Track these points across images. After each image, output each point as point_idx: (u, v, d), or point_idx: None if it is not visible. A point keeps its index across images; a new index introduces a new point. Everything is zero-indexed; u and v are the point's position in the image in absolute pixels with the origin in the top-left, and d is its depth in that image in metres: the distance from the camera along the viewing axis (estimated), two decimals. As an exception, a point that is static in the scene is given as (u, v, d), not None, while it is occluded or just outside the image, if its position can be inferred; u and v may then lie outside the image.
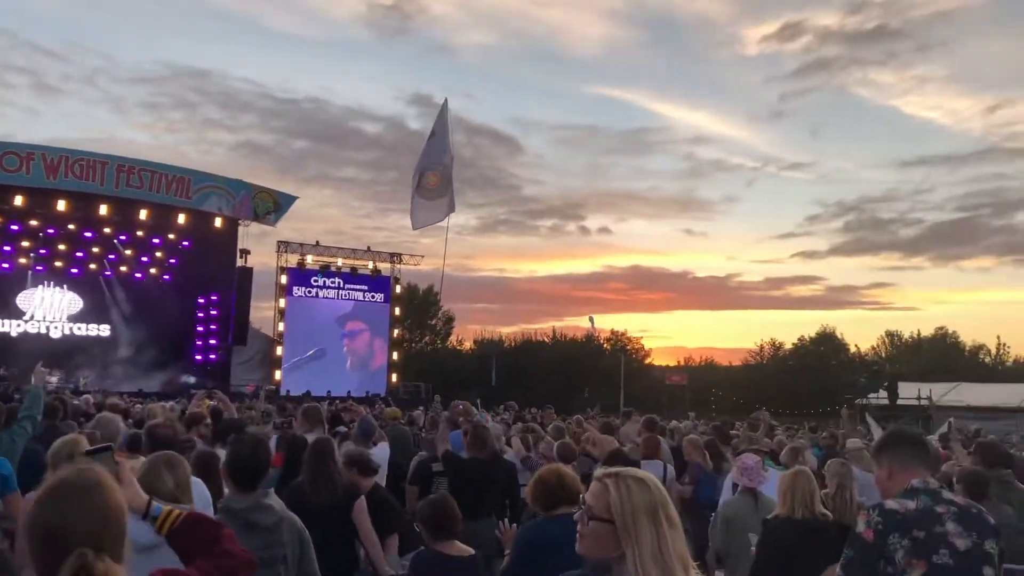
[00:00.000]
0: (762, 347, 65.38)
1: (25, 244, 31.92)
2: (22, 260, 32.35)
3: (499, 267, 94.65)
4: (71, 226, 31.53)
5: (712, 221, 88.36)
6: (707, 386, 56.16)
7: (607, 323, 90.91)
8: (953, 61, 79.21)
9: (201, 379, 31.90)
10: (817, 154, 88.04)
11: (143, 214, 31.49)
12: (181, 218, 32.17)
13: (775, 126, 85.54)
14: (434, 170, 19.25)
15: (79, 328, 33.70)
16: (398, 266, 38.30)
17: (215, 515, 3.06)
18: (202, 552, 2.28)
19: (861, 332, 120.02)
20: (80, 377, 30.16)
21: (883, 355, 66.44)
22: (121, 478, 2.33)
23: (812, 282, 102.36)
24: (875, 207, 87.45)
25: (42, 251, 32.32)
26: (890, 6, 74.90)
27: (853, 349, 64.10)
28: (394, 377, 37.73)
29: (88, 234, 32.20)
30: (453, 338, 63.34)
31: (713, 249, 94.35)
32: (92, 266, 33.53)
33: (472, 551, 4.29)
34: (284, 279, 35.41)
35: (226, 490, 3.85)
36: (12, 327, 32.51)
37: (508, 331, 79.92)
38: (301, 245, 36.29)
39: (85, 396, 16.80)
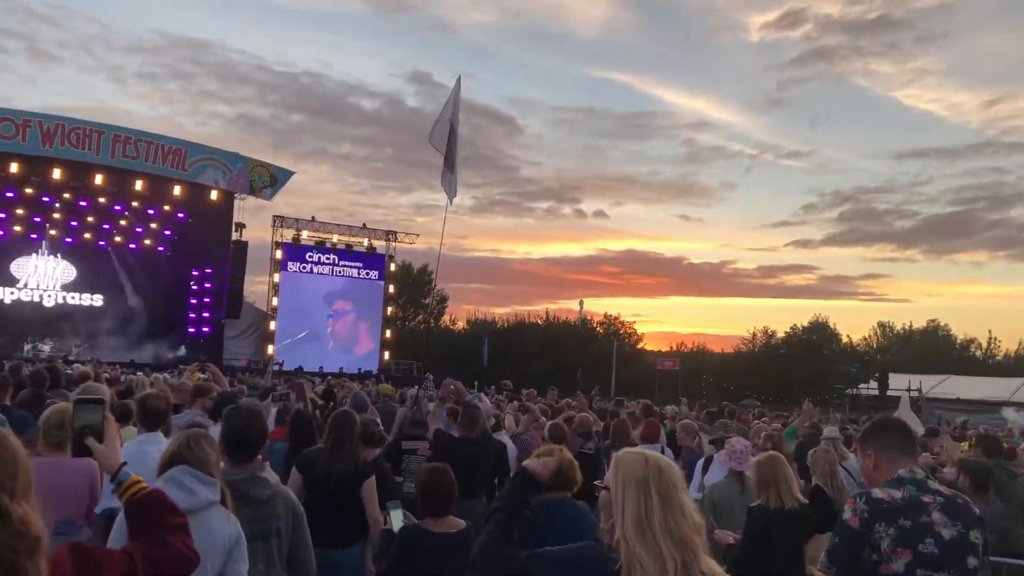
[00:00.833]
0: (754, 335, 65.58)
1: (20, 212, 31.92)
2: (16, 228, 32.38)
3: (494, 248, 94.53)
4: (66, 195, 31.51)
5: (709, 207, 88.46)
6: (698, 372, 56.35)
7: (600, 307, 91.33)
8: (953, 54, 79.19)
9: (193, 351, 31.93)
10: (815, 143, 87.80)
11: (139, 185, 31.45)
12: (177, 190, 32.13)
13: (774, 114, 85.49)
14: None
15: (72, 297, 33.73)
16: (393, 244, 38.38)
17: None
18: (144, 533, 2.29)
19: (853, 322, 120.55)
20: (72, 346, 30.24)
21: (874, 346, 66.74)
22: (104, 434, 2.42)
23: (806, 271, 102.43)
24: (871, 198, 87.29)
25: (36, 219, 32.32)
26: (893, -4, 74.64)
27: (845, 339, 64.34)
28: (387, 355, 37.82)
29: (83, 203, 32.22)
30: (446, 317, 63.48)
31: (708, 236, 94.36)
32: (87, 235, 33.59)
33: (464, 523, 4.29)
34: (279, 254, 35.51)
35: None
36: (5, 294, 32.55)
37: (501, 312, 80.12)
38: (297, 220, 36.39)
39: (76, 365, 16.89)
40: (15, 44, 71.32)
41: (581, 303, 51.24)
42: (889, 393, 32.84)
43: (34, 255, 32.93)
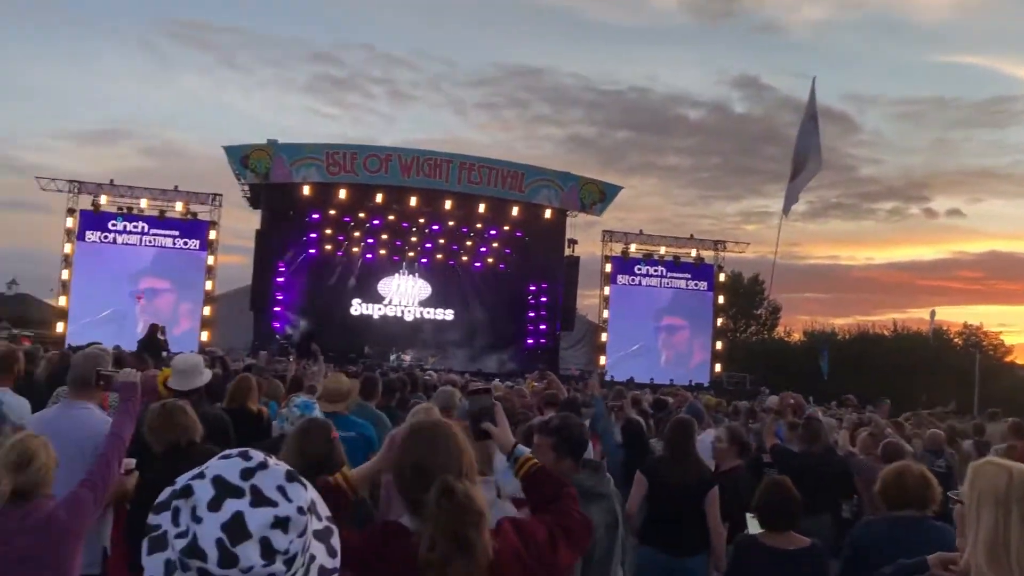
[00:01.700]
0: None
1: (384, 237, 35.73)
2: (382, 251, 36.37)
3: (831, 254, 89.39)
4: (421, 220, 34.61)
5: (1091, 200, 75.91)
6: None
7: (957, 316, 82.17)
8: None
9: (532, 362, 33.35)
10: None
11: (481, 208, 33.55)
12: (515, 211, 33.90)
13: None
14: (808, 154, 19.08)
15: (428, 312, 36.83)
16: (721, 254, 37.60)
17: None
18: (546, 505, 2.54)
19: None
20: (428, 356, 33.04)
21: None
22: (497, 418, 2.73)
23: None
24: None
25: (397, 243, 36.07)
26: None
27: None
28: (717, 367, 37.09)
29: (435, 227, 35.26)
30: (780, 329, 60.92)
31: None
32: (438, 256, 36.76)
33: (809, 541, 4.06)
34: (609, 268, 36.19)
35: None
36: (374, 310, 36.42)
37: (841, 322, 75.12)
38: (625, 234, 36.86)
39: (429, 372, 18.45)
40: (379, 88, 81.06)
41: (933, 312, 46.61)
42: None
43: (396, 275, 36.59)
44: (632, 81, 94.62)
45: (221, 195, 32.62)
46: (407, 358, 32.01)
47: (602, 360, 35.26)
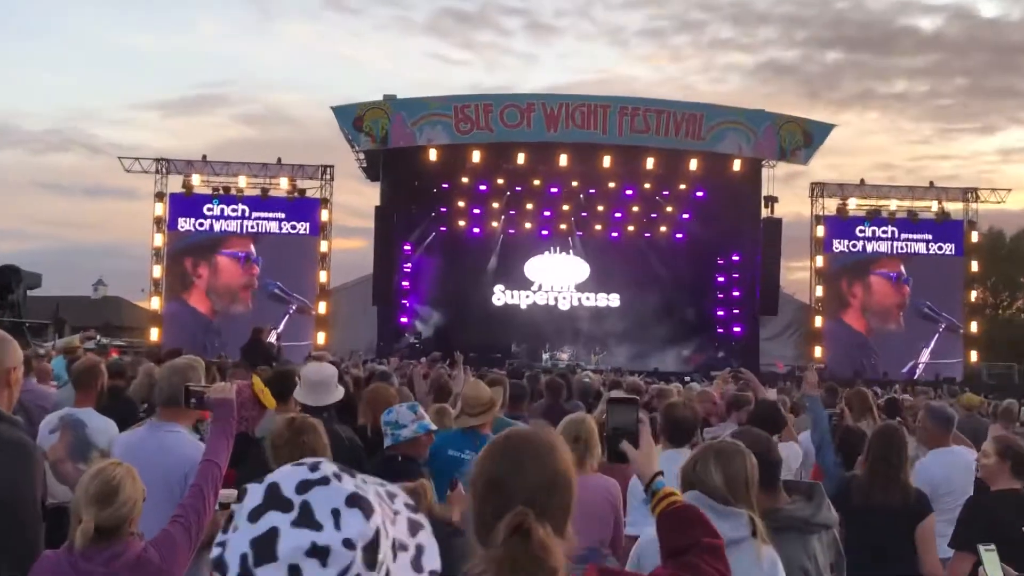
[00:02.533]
0: None
1: (528, 207, 36.15)
2: (527, 224, 36.83)
3: None
4: (574, 183, 34.66)
5: None
6: None
7: None
8: None
9: (723, 358, 33.47)
10: None
11: (650, 163, 33.02)
12: (693, 164, 33.31)
13: None
14: None
15: (587, 298, 37.13)
16: (973, 206, 36.07)
17: None
18: (678, 553, 2.55)
19: None
20: (591, 353, 33.44)
21: None
22: (640, 440, 2.73)
23: None
24: None
25: (545, 213, 36.40)
26: None
27: None
28: (973, 355, 35.63)
29: (591, 191, 35.28)
30: (1060, 302, 57.48)
31: None
32: (597, 227, 36.99)
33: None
34: (821, 231, 35.36)
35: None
36: (521, 298, 37.02)
37: None
38: (840, 186, 35.92)
39: (587, 373, 18.03)
40: (515, 22, 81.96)
41: None
42: None
43: (546, 253, 37.04)
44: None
45: (333, 167, 33.78)
46: (564, 357, 32.27)
47: (817, 351, 34.49)
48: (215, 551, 1.38)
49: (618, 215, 36.72)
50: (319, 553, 1.33)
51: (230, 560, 1.35)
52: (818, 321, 35.32)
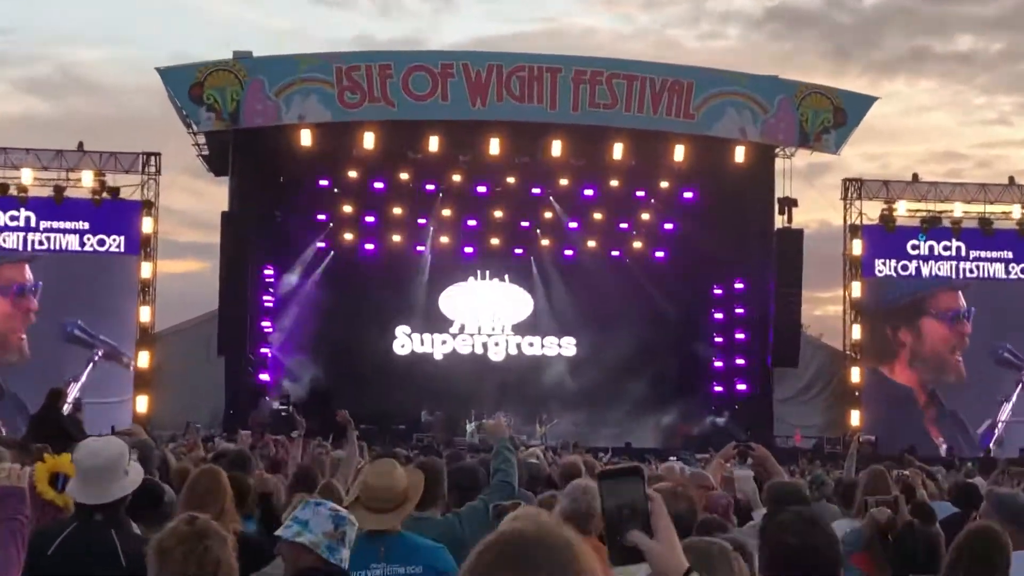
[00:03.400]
0: None
1: (445, 213, 34.53)
2: (443, 239, 35.11)
3: None
4: (510, 179, 33.37)
5: None
6: None
7: None
8: None
9: (723, 427, 32.70)
10: None
11: (617, 151, 32.13)
12: (678, 152, 32.31)
13: None
14: None
15: (530, 344, 36.24)
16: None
17: None
18: None
19: None
20: (536, 423, 32.67)
21: None
22: (656, 524, 2.59)
23: None
24: None
25: (470, 222, 34.73)
26: None
27: None
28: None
29: (535, 190, 34.11)
30: None
31: None
32: (543, 243, 35.72)
33: None
34: (858, 246, 34.40)
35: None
36: (436, 345, 35.70)
37: None
38: (885, 183, 35.05)
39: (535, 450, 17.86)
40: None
41: None
42: None
43: (471, 279, 35.90)
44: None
45: (159, 155, 32.64)
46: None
47: (854, 417, 33.48)
48: None
49: (573, 225, 35.45)
50: None
51: None
52: (855, 374, 34.20)
